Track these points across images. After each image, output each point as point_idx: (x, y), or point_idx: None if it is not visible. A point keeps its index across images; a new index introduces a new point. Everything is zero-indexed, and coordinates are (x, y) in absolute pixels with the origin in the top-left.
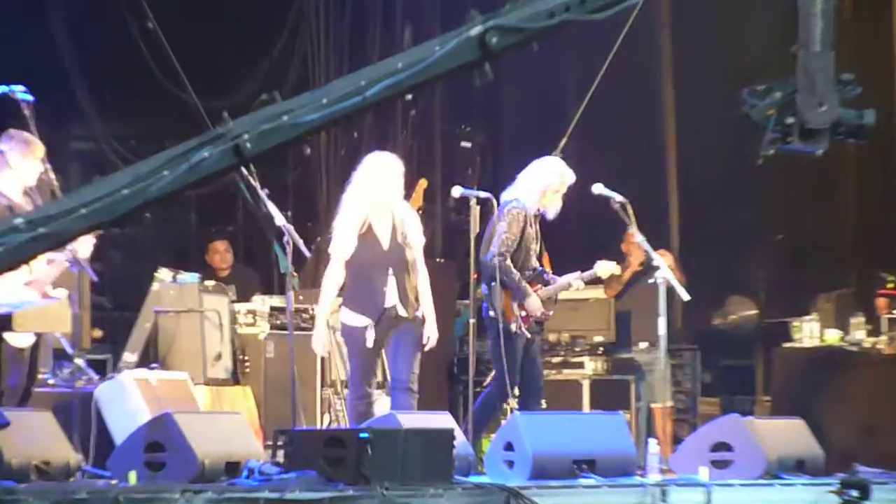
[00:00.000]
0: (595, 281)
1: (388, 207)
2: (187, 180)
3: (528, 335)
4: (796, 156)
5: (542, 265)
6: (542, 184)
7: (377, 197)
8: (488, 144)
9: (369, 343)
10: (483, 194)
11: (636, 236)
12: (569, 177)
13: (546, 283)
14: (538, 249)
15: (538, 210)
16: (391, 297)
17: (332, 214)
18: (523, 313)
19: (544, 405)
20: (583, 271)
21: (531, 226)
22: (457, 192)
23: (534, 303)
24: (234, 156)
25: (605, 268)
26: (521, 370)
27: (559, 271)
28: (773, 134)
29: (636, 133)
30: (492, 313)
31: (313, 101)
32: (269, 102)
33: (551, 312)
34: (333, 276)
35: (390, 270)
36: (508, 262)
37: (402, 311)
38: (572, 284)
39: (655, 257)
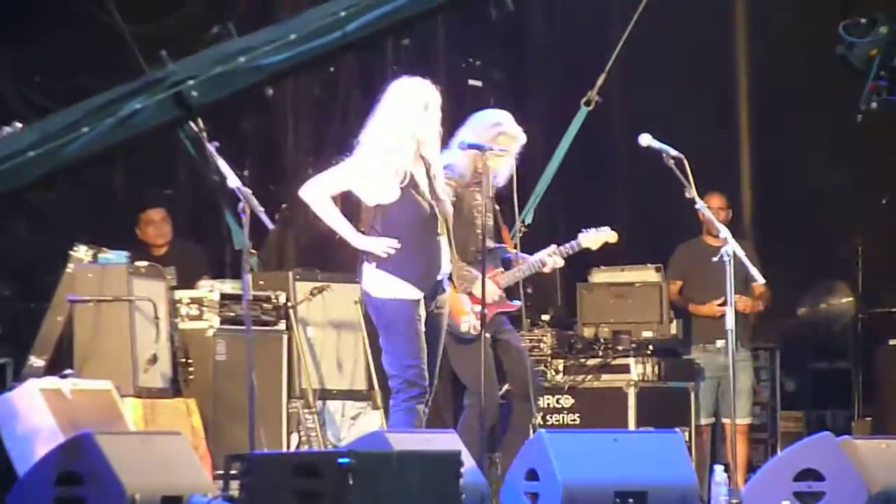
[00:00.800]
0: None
1: (430, 152)
2: (114, 139)
3: (488, 334)
4: None
5: (502, 243)
6: (471, 138)
7: (425, 135)
8: (506, 83)
9: (422, 324)
10: (498, 148)
11: (696, 201)
12: (512, 132)
13: (508, 266)
14: (488, 224)
15: (478, 170)
16: (445, 265)
17: (301, 174)
18: (476, 307)
19: (537, 417)
20: (559, 245)
21: (471, 197)
22: (461, 146)
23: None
24: (177, 107)
25: (592, 237)
26: (504, 374)
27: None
28: (876, 81)
29: (697, 74)
30: None
31: (278, 38)
32: (221, 38)
33: (518, 302)
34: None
35: (438, 232)
36: None
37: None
38: (546, 263)
39: (721, 228)
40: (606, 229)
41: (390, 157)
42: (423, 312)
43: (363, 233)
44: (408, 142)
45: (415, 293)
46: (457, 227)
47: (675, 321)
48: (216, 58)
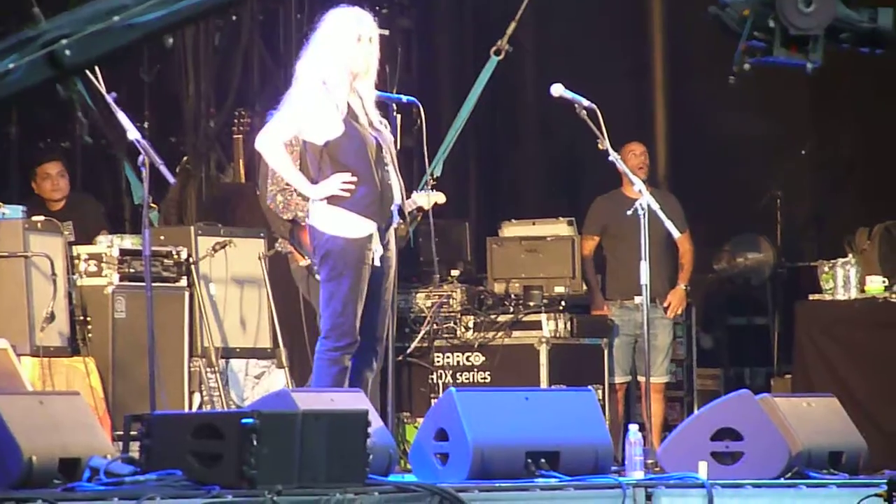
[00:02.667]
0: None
1: (365, 84)
2: None
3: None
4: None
5: None
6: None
7: (360, 67)
8: (413, 32)
9: (374, 260)
10: (405, 98)
11: (609, 152)
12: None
13: None
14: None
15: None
16: (397, 195)
17: (202, 125)
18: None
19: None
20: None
21: None
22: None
23: None
24: (49, 67)
25: (424, 197)
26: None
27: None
28: (749, 42)
29: (610, 23)
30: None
31: None
32: None
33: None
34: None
35: (386, 161)
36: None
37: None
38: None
39: (634, 180)
40: (435, 192)
41: (330, 91)
42: (376, 249)
43: (316, 182)
44: (344, 74)
45: (369, 227)
46: None
47: None
48: (90, 15)
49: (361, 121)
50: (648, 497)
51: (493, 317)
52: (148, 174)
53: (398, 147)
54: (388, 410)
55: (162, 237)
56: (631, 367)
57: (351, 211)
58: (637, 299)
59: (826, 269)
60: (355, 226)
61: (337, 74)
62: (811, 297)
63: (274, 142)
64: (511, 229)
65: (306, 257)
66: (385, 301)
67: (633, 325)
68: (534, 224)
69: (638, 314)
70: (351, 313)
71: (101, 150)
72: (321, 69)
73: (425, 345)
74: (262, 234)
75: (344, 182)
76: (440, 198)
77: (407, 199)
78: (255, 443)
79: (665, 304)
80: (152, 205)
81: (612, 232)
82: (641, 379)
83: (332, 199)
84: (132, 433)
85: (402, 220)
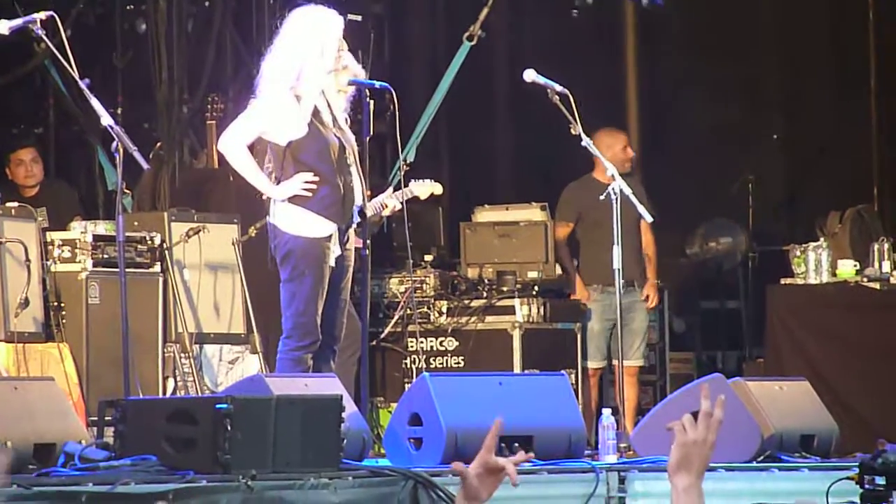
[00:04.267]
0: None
1: (330, 83)
2: None
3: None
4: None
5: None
6: None
7: (326, 66)
8: (386, 17)
9: (331, 260)
10: (378, 84)
11: (581, 137)
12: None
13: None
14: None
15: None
16: (359, 196)
17: (175, 111)
18: None
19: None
20: (395, 189)
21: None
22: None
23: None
24: None
25: (422, 187)
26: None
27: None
28: None
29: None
30: None
31: None
32: None
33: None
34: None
35: (349, 162)
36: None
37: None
38: (388, 205)
39: (608, 165)
40: (434, 182)
41: (295, 91)
42: (334, 249)
43: (279, 181)
44: (309, 73)
45: (329, 227)
46: None
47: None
48: None
49: (325, 121)
50: (622, 481)
51: (466, 302)
52: (121, 160)
53: (371, 133)
54: (361, 395)
55: (136, 223)
56: (607, 352)
57: (312, 211)
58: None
59: (798, 252)
60: (316, 226)
61: (302, 75)
62: (783, 280)
63: (235, 143)
64: (484, 214)
65: None
66: (343, 300)
67: (613, 309)
68: (507, 209)
69: (616, 299)
70: (313, 312)
71: (75, 137)
72: (286, 69)
73: (399, 330)
74: (235, 220)
75: (306, 182)
76: (437, 188)
77: (405, 187)
78: (229, 428)
79: (643, 297)
80: (126, 191)
81: (587, 218)
82: (616, 362)
83: (294, 199)
84: (106, 418)
85: (361, 221)
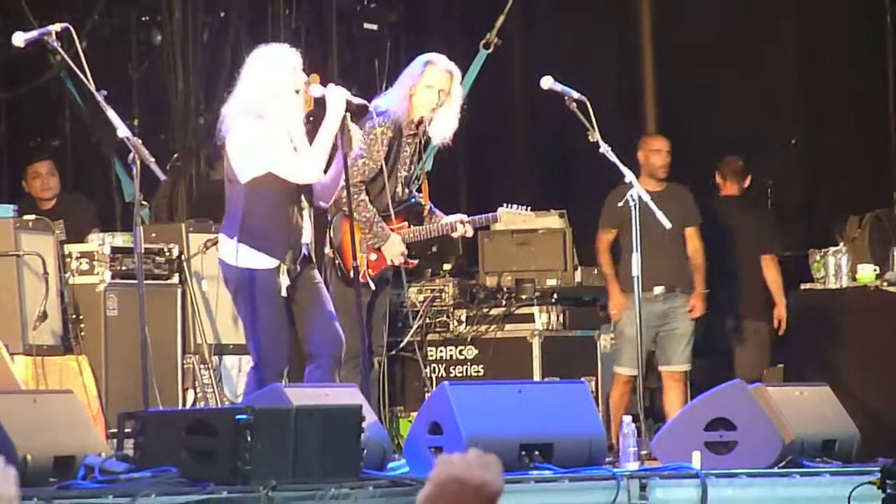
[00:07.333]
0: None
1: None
2: None
3: (373, 286)
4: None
5: (420, 194)
6: (405, 81)
7: (291, 102)
8: (403, 26)
9: (282, 290)
10: (357, 100)
11: (599, 144)
12: (439, 64)
13: (421, 220)
14: (414, 174)
15: (414, 119)
16: (307, 236)
17: (191, 121)
18: (374, 257)
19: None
20: (470, 215)
21: (407, 143)
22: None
23: (392, 248)
24: None
25: (511, 216)
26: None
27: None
28: None
29: (599, 15)
30: (328, 251)
31: None
32: None
33: (417, 261)
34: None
35: (302, 205)
36: (364, 196)
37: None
38: (456, 230)
39: (626, 172)
40: (524, 209)
41: (267, 127)
42: (283, 280)
43: (231, 212)
44: (280, 109)
45: (272, 262)
46: (379, 177)
47: (579, 268)
48: None
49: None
50: (643, 488)
51: (485, 310)
52: (138, 172)
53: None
54: (381, 405)
55: (153, 234)
56: (646, 358)
57: (256, 249)
58: (656, 290)
59: (817, 257)
60: (262, 259)
61: (273, 111)
62: (803, 285)
63: (315, 167)
64: (500, 223)
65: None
66: (328, 311)
67: (653, 316)
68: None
69: (657, 305)
70: (279, 342)
71: (92, 149)
72: (270, 104)
73: (418, 339)
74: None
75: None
76: (529, 218)
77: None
78: (249, 439)
79: (689, 308)
80: (143, 202)
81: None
82: (662, 369)
83: (241, 237)
84: (126, 431)
85: (311, 259)
